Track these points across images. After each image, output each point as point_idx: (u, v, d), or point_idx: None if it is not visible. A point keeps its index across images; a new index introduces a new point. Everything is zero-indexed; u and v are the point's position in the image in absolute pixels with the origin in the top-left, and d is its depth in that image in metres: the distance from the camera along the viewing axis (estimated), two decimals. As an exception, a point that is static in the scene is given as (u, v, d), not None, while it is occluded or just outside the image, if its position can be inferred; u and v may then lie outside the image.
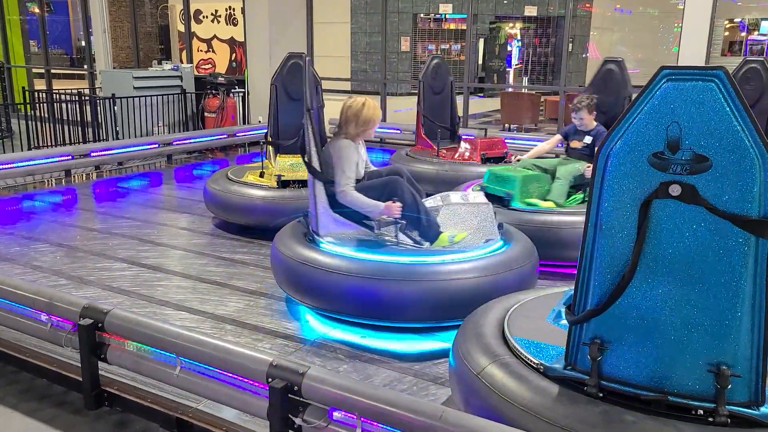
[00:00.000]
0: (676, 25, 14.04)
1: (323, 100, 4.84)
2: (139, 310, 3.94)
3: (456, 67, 17.72)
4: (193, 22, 12.26)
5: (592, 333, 2.20)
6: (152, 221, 6.26)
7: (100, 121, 9.78)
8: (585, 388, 2.20)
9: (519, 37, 21.21)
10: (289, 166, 5.66)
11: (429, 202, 4.08)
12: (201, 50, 12.37)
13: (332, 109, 4.31)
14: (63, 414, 2.99)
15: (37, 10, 14.80)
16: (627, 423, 2.04)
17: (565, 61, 10.38)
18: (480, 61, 21.18)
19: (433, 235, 3.89)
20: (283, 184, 5.66)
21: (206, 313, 4.08)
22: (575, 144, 5.38)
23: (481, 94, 19.77)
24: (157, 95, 10.09)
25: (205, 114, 10.70)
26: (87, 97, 10.48)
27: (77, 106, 9.73)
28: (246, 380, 2.57)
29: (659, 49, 17.33)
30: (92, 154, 8.24)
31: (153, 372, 2.86)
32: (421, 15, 20.78)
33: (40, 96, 12.29)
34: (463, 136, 7.32)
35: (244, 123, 11.18)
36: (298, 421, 2.42)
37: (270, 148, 6.25)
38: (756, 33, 16.86)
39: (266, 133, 6.38)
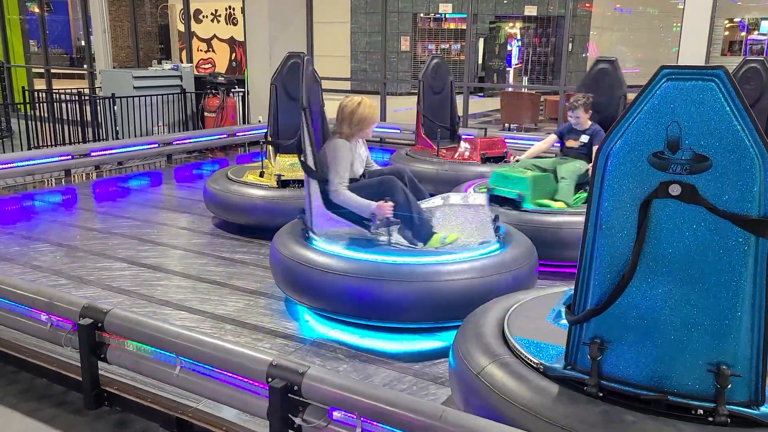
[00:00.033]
0: (675, 24, 14.04)
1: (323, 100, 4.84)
2: (139, 310, 3.94)
3: (456, 67, 17.70)
4: (192, 22, 12.27)
5: (592, 333, 2.20)
6: (152, 221, 6.26)
7: (99, 120, 9.78)
8: (585, 387, 2.20)
9: (519, 37, 21.21)
10: (289, 165, 5.65)
11: (430, 203, 4.07)
12: (201, 50, 12.37)
13: (331, 108, 4.31)
14: (63, 414, 2.99)
15: (36, 10, 14.80)
16: (627, 423, 2.04)
17: (565, 60, 10.39)
18: (480, 61, 21.18)
19: (426, 236, 3.88)
20: (283, 183, 5.66)
21: (206, 312, 4.08)
22: (571, 143, 5.38)
23: (481, 94, 19.76)
24: (156, 95, 10.09)
25: (205, 114, 10.69)
26: (87, 97, 10.49)
27: (77, 105, 9.73)
28: (246, 380, 2.57)
29: (659, 48, 17.34)
30: (92, 154, 8.24)
31: (153, 372, 2.86)
32: (421, 15, 20.79)
33: (40, 96, 12.30)
34: (463, 136, 7.32)
35: (243, 123, 11.18)
36: (297, 420, 2.41)
37: (270, 147, 6.25)
38: (756, 32, 16.87)
39: (266, 133, 6.39)
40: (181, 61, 12.08)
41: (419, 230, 3.88)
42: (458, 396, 2.58)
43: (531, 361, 2.38)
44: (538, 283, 4.04)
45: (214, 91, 10.63)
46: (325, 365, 3.31)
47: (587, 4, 19.43)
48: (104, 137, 9.70)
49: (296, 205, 5.12)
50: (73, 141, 9.54)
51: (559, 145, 5.57)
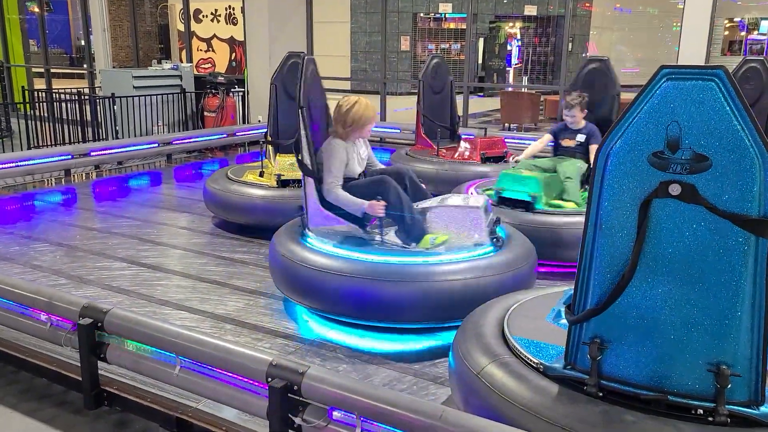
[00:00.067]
0: (675, 24, 14.04)
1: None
2: (138, 310, 3.94)
3: (456, 67, 17.69)
4: (192, 22, 12.26)
5: (591, 332, 2.20)
6: (152, 220, 6.26)
7: (99, 120, 9.78)
8: (585, 387, 2.20)
9: (519, 37, 21.21)
10: (289, 165, 5.65)
11: (429, 203, 4.06)
12: (201, 49, 12.37)
13: (331, 108, 4.32)
14: (63, 414, 2.98)
15: (36, 9, 14.80)
16: (627, 423, 2.04)
17: (564, 60, 10.38)
18: (480, 61, 21.18)
19: (417, 236, 3.87)
20: (283, 183, 5.65)
21: (206, 312, 4.08)
22: (567, 142, 5.37)
23: (481, 94, 19.76)
24: (156, 95, 10.09)
25: (205, 113, 10.69)
26: (86, 97, 10.49)
27: (77, 105, 9.73)
28: (246, 380, 2.57)
29: (659, 48, 17.34)
30: (92, 154, 8.24)
31: (153, 371, 2.86)
32: (421, 14, 20.79)
33: (40, 95, 12.29)
34: (463, 136, 7.32)
35: (243, 122, 11.18)
36: (297, 420, 2.42)
37: (270, 147, 6.25)
38: (756, 32, 16.86)
39: (266, 133, 6.39)
40: (181, 61, 12.08)
41: (411, 230, 3.86)
42: (458, 396, 2.58)
43: (531, 360, 2.38)
44: (537, 283, 4.04)
45: (213, 90, 10.62)
46: (325, 365, 3.32)
47: (587, 4, 19.44)
48: (104, 137, 9.70)
49: (296, 204, 5.12)
50: (72, 141, 9.54)
51: (553, 144, 5.55)
